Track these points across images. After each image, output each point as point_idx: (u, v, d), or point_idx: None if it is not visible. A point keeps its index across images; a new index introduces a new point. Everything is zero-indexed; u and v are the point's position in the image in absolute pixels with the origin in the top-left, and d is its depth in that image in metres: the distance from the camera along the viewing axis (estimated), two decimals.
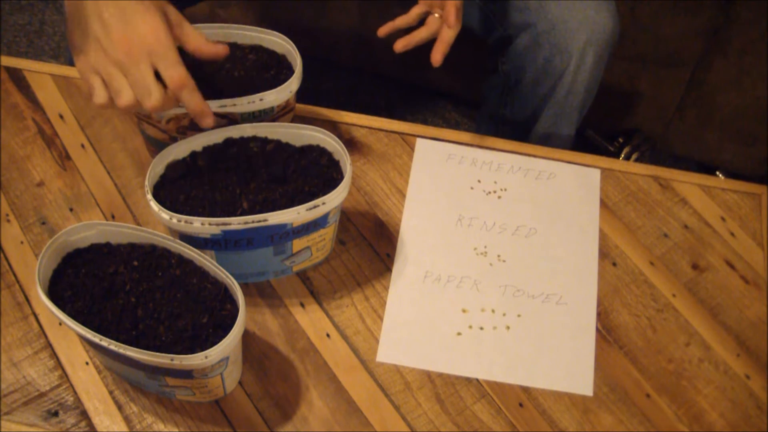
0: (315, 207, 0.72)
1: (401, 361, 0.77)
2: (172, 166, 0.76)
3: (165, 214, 0.71)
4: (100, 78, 0.65)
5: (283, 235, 0.73)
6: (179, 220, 0.70)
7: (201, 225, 0.70)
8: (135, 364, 0.66)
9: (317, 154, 0.78)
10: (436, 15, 0.88)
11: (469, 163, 0.91)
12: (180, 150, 0.76)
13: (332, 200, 0.72)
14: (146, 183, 0.72)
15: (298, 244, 0.76)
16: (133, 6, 0.64)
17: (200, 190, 0.74)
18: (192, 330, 0.67)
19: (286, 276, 0.81)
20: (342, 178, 0.76)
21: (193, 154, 0.77)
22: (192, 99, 0.68)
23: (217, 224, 0.70)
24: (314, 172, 0.76)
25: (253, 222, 0.71)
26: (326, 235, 0.78)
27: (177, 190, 0.74)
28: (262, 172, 0.76)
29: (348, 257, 0.83)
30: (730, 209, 0.91)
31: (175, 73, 0.65)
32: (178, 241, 0.71)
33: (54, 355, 0.76)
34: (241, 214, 0.72)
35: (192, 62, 0.83)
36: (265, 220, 0.71)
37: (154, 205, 0.71)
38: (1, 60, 0.95)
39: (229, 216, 0.72)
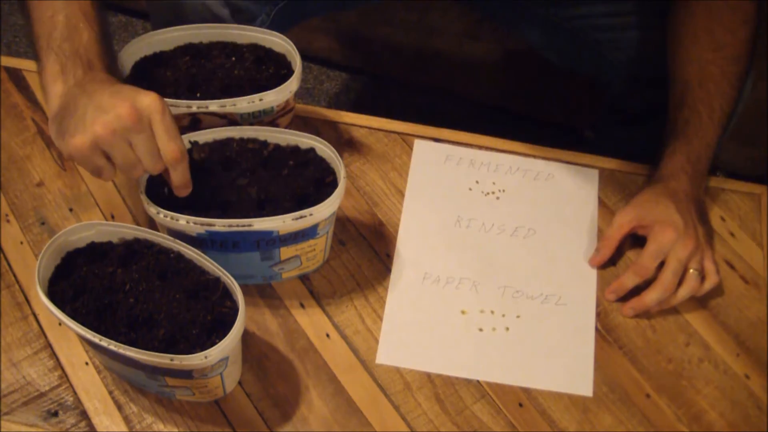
0: (302, 217, 0.71)
1: (401, 363, 0.77)
2: None
3: (152, 209, 0.71)
4: (103, 154, 0.66)
5: (270, 242, 0.73)
6: (166, 216, 0.70)
7: (186, 223, 0.70)
8: (135, 364, 0.66)
9: (314, 163, 0.77)
10: (691, 270, 0.80)
11: (468, 164, 0.91)
12: None
13: (320, 212, 0.72)
14: None
15: (286, 252, 0.76)
16: (131, 87, 0.67)
17: (195, 187, 0.74)
18: (192, 330, 0.67)
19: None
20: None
21: (191, 151, 0.77)
22: (184, 173, 0.69)
23: (202, 224, 0.70)
24: (309, 181, 0.76)
25: (237, 226, 0.70)
26: (317, 246, 0.78)
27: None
28: (258, 174, 0.75)
29: (348, 257, 0.83)
30: (730, 209, 0.91)
31: (176, 146, 0.67)
32: (178, 241, 0.71)
33: (54, 355, 0.76)
34: (233, 216, 0.72)
35: (191, 62, 0.83)
36: (250, 225, 0.70)
37: (144, 198, 0.71)
38: (1, 60, 0.95)
39: (221, 216, 0.72)
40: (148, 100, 0.65)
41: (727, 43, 0.86)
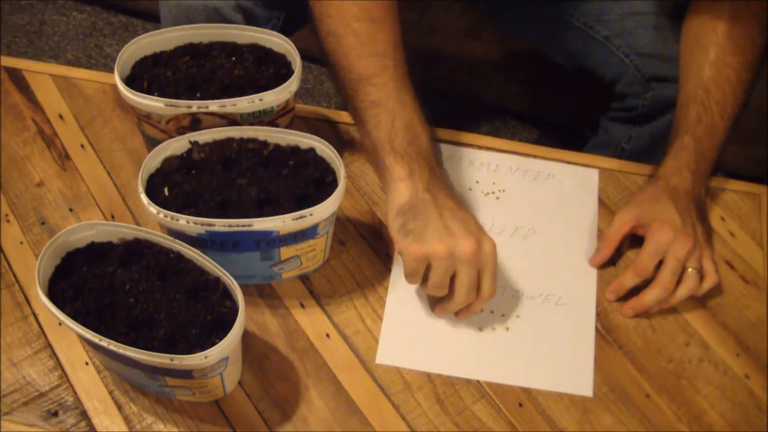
0: (301, 217, 0.71)
1: (401, 363, 0.77)
2: (169, 161, 0.76)
3: (153, 209, 0.71)
4: (425, 265, 0.73)
5: (270, 242, 0.73)
6: (166, 216, 0.70)
7: (186, 223, 0.70)
8: (135, 364, 0.66)
9: (314, 163, 0.77)
10: (690, 269, 0.80)
11: (467, 164, 0.91)
12: (178, 146, 0.76)
13: (320, 212, 0.72)
14: (140, 175, 0.72)
15: (286, 252, 0.76)
16: (474, 219, 0.76)
17: (195, 186, 0.74)
18: (192, 330, 0.67)
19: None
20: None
21: (191, 151, 0.77)
22: (482, 307, 0.78)
23: (202, 224, 0.70)
24: (309, 181, 0.76)
25: (237, 226, 0.70)
26: (317, 246, 0.78)
27: (172, 184, 0.74)
28: (258, 174, 0.75)
29: (348, 257, 0.83)
30: (730, 209, 0.91)
31: (493, 286, 0.75)
32: (178, 241, 0.71)
33: (54, 355, 0.76)
34: (233, 216, 0.72)
35: (191, 62, 0.83)
36: (250, 225, 0.70)
37: (144, 198, 0.71)
38: (1, 60, 0.95)
39: (221, 216, 0.72)
40: (490, 247, 0.73)
41: (746, 49, 0.86)
